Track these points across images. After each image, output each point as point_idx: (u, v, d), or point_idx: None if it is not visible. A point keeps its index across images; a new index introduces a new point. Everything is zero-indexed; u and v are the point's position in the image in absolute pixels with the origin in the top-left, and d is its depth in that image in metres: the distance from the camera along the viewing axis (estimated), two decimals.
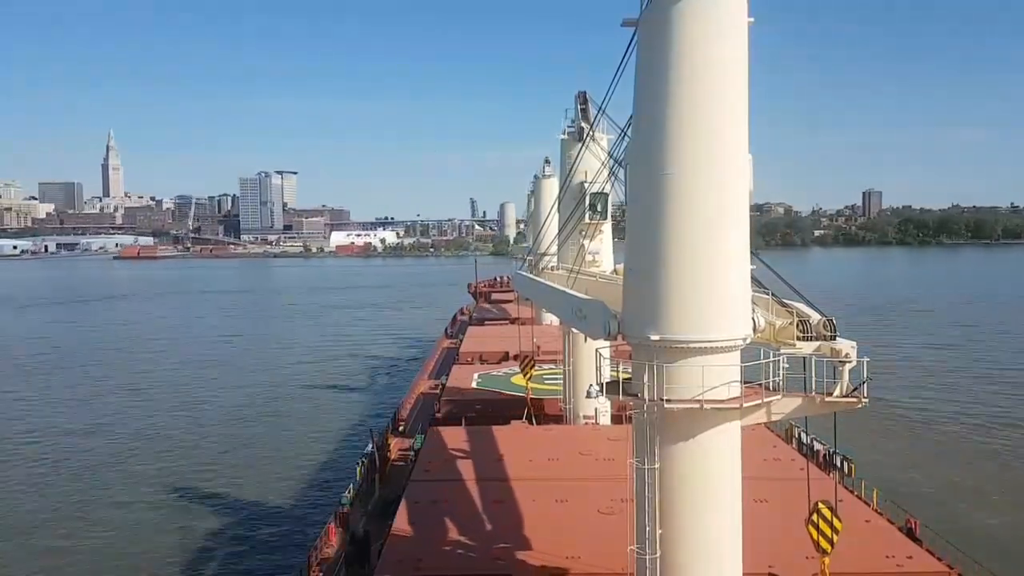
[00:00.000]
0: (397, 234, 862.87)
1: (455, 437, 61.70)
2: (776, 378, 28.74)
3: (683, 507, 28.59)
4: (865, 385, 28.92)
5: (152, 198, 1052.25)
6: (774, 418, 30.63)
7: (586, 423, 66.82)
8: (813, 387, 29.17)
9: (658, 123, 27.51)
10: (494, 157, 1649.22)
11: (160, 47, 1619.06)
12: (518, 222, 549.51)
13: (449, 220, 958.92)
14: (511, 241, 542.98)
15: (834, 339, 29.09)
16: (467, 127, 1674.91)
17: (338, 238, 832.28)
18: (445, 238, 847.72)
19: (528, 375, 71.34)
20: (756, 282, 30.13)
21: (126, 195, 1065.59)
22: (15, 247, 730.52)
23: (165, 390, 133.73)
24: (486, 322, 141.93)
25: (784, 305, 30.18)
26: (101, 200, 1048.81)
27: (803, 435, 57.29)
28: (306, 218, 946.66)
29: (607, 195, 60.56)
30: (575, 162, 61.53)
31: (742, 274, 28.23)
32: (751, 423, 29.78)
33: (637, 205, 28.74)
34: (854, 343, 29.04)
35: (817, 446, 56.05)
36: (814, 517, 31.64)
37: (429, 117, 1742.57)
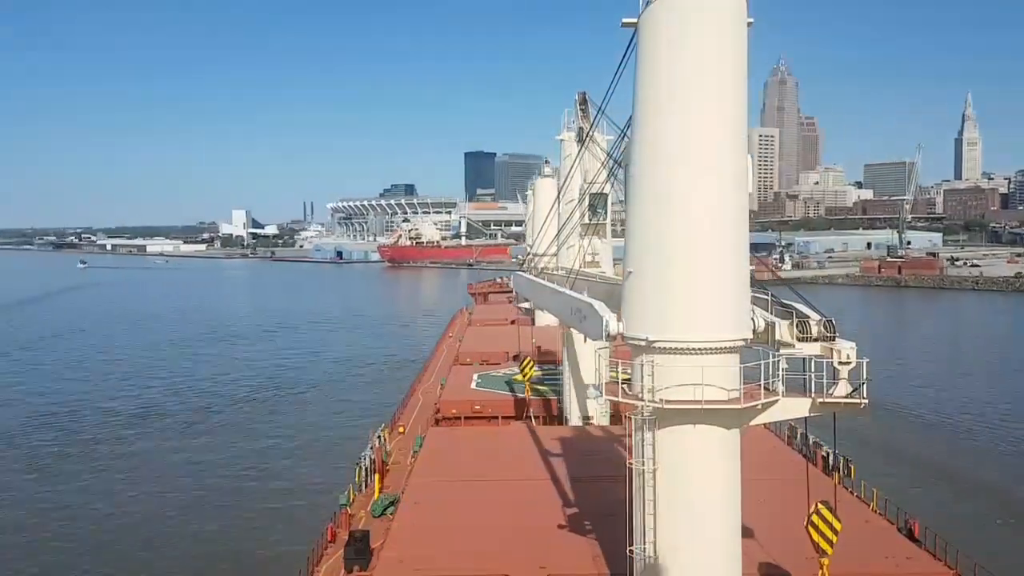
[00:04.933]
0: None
1: (455, 437, 61.78)
2: (775, 379, 28.78)
3: (682, 508, 28.62)
4: (865, 386, 28.94)
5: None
6: (773, 419, 30.65)
7: (585, 423, 66.82)
8: (813, 388, 29.21)
9: (657, 124, 27.60)
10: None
11: None
12: None
13: None
14: None
15: (833, 340, 29.12)
16: None
17: None
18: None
19: (527, 375, 71.45)
20: (756, 283, 30.18)
21: (985, 176, 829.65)
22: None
23: (159, 382, 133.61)
24: (486, 323, 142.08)
25: (784, 306, 30.21)
26: (950, 182, 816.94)
27: (803, 436, 57.23)
28: None
29: (607, 195, 60.58)
30: (575, 162, 61.59)
31: (741, 275, 28.29)
32: (750, 424, 29.82)
33: (636, 206, 28.79)
34: (854, 344, 29.07)
35: (817, 447, 55.96)
36: (814, 518, 31.62)
37: None
